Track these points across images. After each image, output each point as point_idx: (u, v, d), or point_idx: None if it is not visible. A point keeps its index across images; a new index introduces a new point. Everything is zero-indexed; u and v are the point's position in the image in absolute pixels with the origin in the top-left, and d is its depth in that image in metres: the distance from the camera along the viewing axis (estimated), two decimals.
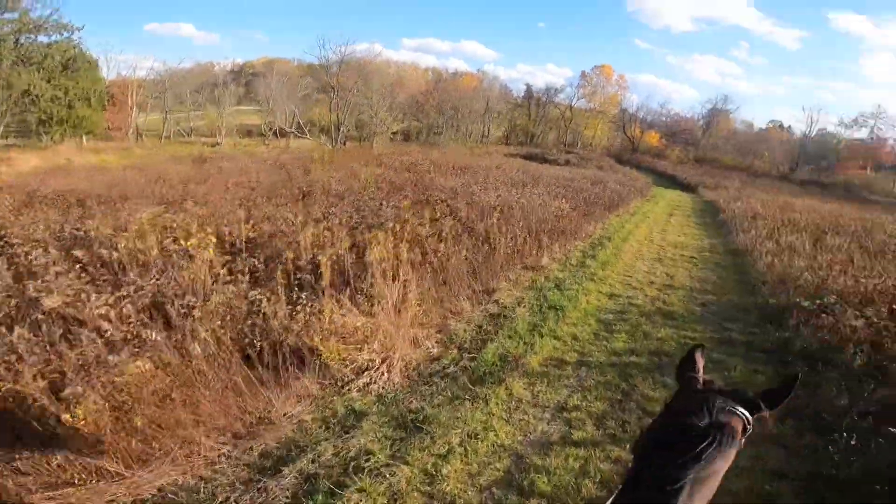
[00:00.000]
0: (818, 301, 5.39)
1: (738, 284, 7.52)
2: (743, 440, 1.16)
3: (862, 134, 41.53)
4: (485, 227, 7.02)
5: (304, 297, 4.03)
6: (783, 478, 3.10)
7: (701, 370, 1.31)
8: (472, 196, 9.25)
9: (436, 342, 4.65)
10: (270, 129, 37.36)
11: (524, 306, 5.72)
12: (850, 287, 5.93)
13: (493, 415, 3.61)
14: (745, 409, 1.17)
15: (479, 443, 3.29)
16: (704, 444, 1.07)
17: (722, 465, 1.10)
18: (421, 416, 3.50)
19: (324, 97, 39.65)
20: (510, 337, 4.92)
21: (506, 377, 4.12)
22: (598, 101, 54.19)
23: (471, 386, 3.96)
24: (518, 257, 7.06)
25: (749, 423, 1.16)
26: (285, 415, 3.40)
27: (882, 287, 5.77)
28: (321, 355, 3.76)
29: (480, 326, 5.17)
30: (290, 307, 3.91)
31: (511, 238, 7.07)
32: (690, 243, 10.47)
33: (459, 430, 3.38)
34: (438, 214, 7.06)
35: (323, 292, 4.28)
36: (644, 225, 12.37)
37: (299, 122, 38.31)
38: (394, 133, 40.06)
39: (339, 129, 37.07)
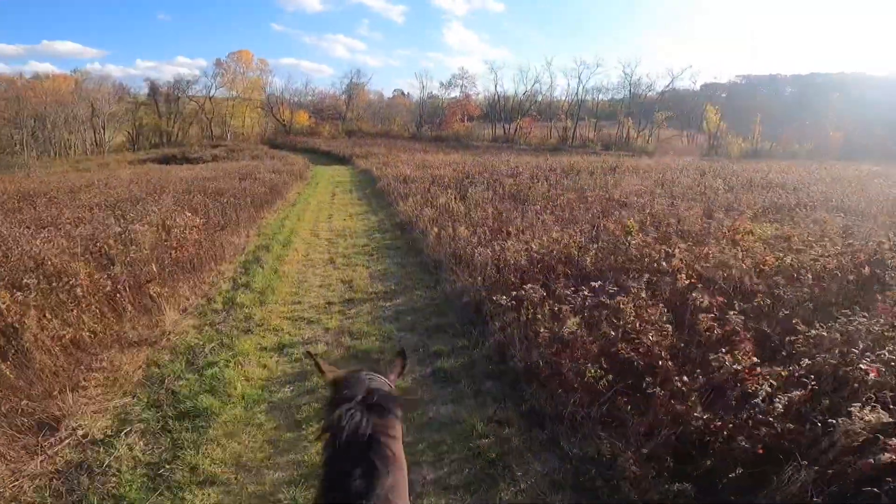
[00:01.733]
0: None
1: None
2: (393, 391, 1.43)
3: (456, 93, 52.16)
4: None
5: None
6: None
7: (328, 365, 1.51)
8: None
9: None
10: None
11: (130, 436, 3.23)
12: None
13: None
14: (385, 375, 1.47)
15: None
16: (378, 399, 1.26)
17: (393, 420, 1.28)
18: None
19: None
20: None
21: None
22: (241, 87, 50.36)
23: None
24: (112, 341, 4.34)
25: (391, 384, 1.44)
26: None
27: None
28: None
29: None
30: None
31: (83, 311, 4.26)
32: (359, 227, 9.65)
33: None
34: None
35: None
36: (308, 215, 11.02)
37: None
38: None
39: None
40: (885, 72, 58.23)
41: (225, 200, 10.09)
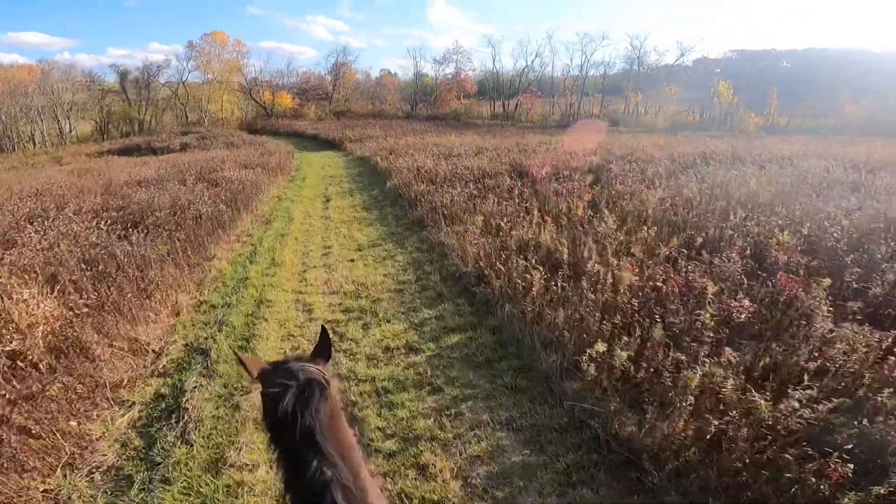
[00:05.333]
0: None
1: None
2: (331, 380, 1.31)
3: (450, 69, 47.10)
4: None
5: None
6: None
7: (254, 359, 1.42)
8: None
9: None
10: None
11: None
12: None
13: None
14: (314, 364, 1.34)
15: None
16: (312, 395, 1.19)
17: (332, 403, 1.23)
18: None
19: None
20: None
21: None
22: (216, 70, 45.30)
23: None
24: None
25: (323, 371, 1.32)
26: None
27: None
28: None
29: None
30: None
31: None
32: (383, 286, 5.42)
33: None
34: None
35: None
36: (287, 252, 6.80)
37: None
38: None
39: None
40: (882, 48, 54.76)
41: (144, 234, 5.92)
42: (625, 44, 73.12)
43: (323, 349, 1.45)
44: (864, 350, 2.90)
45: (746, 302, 3.55)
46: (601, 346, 3.10)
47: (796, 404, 2.46)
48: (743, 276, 4.02)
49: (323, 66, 50.15)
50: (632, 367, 3.05)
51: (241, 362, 1.38)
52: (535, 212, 5.81)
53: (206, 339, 4.24)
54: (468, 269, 5.05)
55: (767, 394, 2.63)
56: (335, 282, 5.52)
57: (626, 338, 3.21)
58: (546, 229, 5.20)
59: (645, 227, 5.25)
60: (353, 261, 6.21)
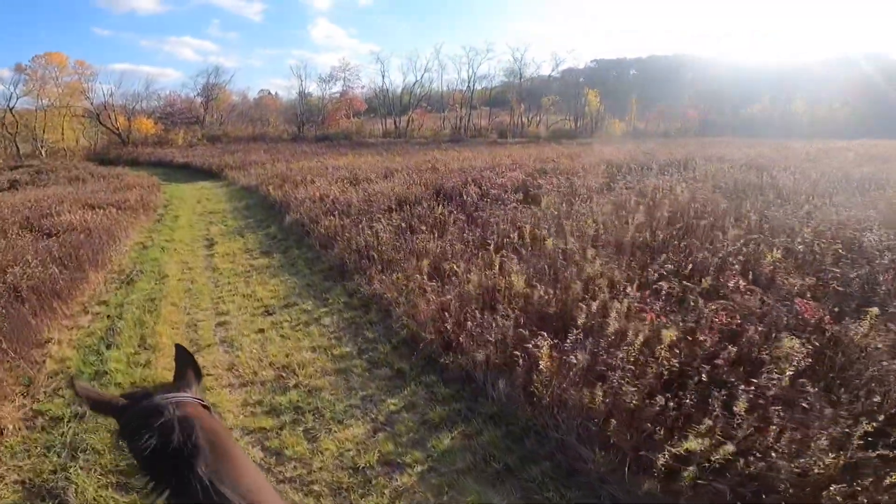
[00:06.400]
0: None
1: None
2: (205, 403, 1.05)
3: (337, 87, 44.97)
4: None
5: None
6: None
7: (99, 391, 1.08)
8: None
9: None
10: None
11: None
12: None
13: None
14: (182, 390, 1.05)
15: None
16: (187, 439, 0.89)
17: (215, 428, 0.97)
18: None
19: None
20: None
21: None
22: (54, 94, 37.89)
23: None
24: None
25: (196, 396, 1.06)
26: None
27: None
28: None
29: None
30: None
31: None
32: (311, 360, 3.97)
33: None
34: None
35: None
36: (165, 321, 4.94)
37: None
38: None
39: None
40: (712, 53, 65.42)
41: None
42: (507, 56, 77.02)
43: (186, 370, 1.15)
44: None
45: (797, 345, 2.82)
46: (695, 443, 2.08)
47: None
48: (761, 307, 3.34)
49: (191, 88, 44.80)
50: (741, 461, 2.09)
51: (80, 395, 1.04)
52: (492, 248, 4.72)
53: (53, 477, 2.49)
54: (428, 335, 3.75)
55: None
56: (245, 367, 3.84)
57: (706, 420, 2.25)
58: (513, 269, 4.12)
59: (618, 254, 4.46)
60: (262, 331, 4.50)
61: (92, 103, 39.08)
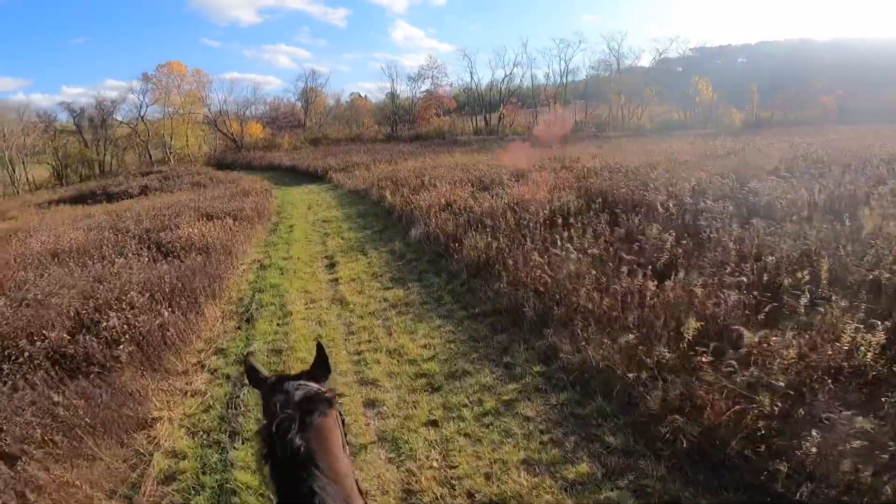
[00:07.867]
0: None
1: None
2: (333, 396, 1.24)
3: (426, 85, 44.35)
4: None
5: None
6: None
7: (262, 369, 1.39)
8: None
9: None
10: None
11: None
12: None
13: None
14: (313, 380, 1.30)
15: None
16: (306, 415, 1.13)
17: (329, 423, 1.18)
18: None
19: None
20: None
21: None
22: (177, 102, 41.36)
23: None
24: None
25: (322, 386, 1.30)
26: None
27: None
28: None
29: None
30: None
31: None
32: (532, 486, 2.59)
33: None
34: None
35: None
36: None
37: None
38: None
39: None
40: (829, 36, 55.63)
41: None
42: (601, 46, 71.66)
43: (321, 366, 1.39)
44: None
45: None
46: None
47: None
48: None
49: (292, 93, 47.07)
50: None
51: (250, 370, 1.37)
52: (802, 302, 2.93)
53: None
54: (730, 449, 2.11)
55: None
56: (429, 495, 2.50)
57: None
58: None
59: None
60: (436, 424, 3.15)
61: (209, 110, 42.25)
